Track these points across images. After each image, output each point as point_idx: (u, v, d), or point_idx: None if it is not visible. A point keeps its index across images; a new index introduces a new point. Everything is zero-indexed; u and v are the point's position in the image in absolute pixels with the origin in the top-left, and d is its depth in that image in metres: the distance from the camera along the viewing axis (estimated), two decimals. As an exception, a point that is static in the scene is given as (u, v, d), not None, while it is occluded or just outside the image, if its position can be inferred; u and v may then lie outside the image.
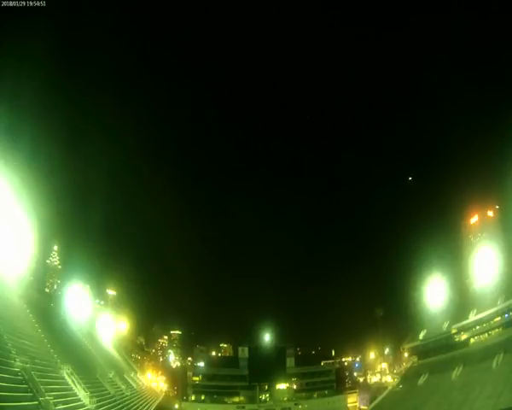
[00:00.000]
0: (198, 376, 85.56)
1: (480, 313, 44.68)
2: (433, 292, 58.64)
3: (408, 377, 56.32)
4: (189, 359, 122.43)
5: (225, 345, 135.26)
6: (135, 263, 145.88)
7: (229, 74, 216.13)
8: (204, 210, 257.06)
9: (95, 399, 28.18)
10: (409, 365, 64.32)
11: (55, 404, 20.96)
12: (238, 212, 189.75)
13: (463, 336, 48.80)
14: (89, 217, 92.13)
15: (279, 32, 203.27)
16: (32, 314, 33.44)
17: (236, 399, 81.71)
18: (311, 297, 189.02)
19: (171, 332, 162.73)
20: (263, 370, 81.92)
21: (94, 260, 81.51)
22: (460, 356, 45.12)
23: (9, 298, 30.85)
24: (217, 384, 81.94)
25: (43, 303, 45.55)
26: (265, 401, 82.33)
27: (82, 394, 27.24)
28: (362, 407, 79.09)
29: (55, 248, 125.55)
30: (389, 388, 61.75)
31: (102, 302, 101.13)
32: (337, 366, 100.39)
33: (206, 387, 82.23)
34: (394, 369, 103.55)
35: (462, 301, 53.20)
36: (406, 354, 78.65)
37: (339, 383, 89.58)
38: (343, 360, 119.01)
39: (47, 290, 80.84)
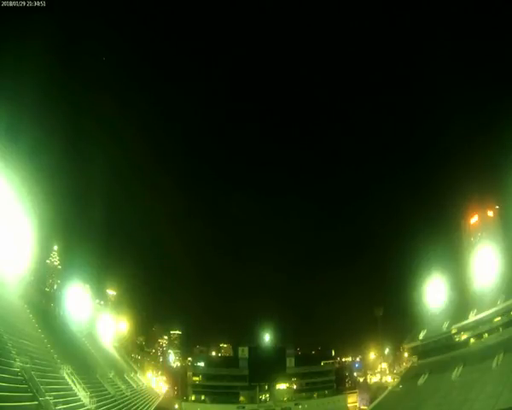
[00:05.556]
0: (198, 376, 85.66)
1: (480, 313, 44.65)
2: (433, 292, 58.61)
3: (408, 377, 56.26)
4: (189, 359, 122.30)
5: (225, 345, 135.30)
6: (135, 263, 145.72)
7: (236, 70, 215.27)
8: (204, 210, 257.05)
9: (95, 399, 28.17)
10: (409, 365, 64.32)
11: (55, 404, 20.93)
12: (238, 212, 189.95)
13: (463, 336, 48.77)
14: (89, 216, 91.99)
15: (285, 31, 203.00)
16: (31, 314, 33.41)
17: (236, 399, 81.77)
18: (312, 297, 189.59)
19: (171, 332, 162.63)
20: (263, 370, 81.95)
21: (94, 260, 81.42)
22: (460, 356, 45.05)
23: (9, 298, 30.83)
24: (217, 384, 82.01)
25: (43, 303, 45.62)
26: (265, 401, 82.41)
27: (82, 394, 27.22)
28: (362, 407, 79.22)
29: (55, 248, 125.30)
30: (389, 388, 61.69)
31: (102, 302, 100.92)
32: (337, 366, 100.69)
33: (206, 387, 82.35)
34: (394, 369, 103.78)
35: (462, 301, 53.11)
36: (406, 354, 78.75)
37: (339, 383, 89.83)
38: (343, 360, 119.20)
39: (47, 290, 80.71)
